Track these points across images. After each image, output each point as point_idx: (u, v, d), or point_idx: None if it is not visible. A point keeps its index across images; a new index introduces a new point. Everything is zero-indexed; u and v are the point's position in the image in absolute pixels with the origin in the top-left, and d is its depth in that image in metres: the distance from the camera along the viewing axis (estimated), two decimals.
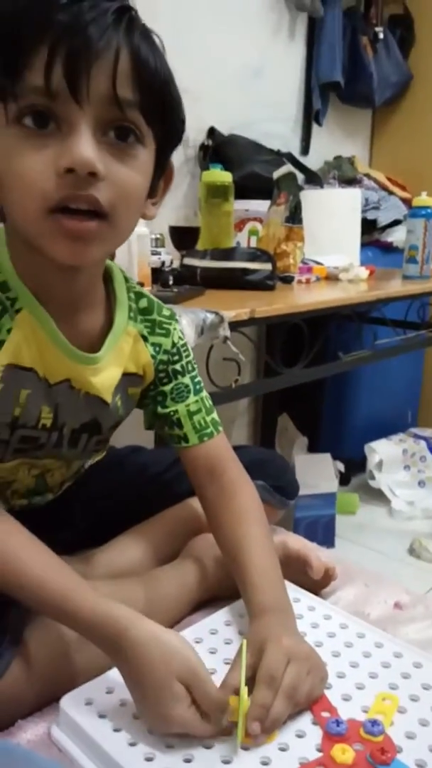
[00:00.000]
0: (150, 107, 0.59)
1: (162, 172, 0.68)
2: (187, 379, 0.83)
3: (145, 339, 0.79)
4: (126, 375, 0.78)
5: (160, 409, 0.83)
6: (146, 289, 0.84)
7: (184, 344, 0.84)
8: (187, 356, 0.84)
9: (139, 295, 0.80)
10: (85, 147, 0.56)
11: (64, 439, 0.77)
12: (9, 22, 0.55)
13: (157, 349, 0.80)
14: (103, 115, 0.57)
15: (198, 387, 0.84)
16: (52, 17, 0.53)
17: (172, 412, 0.82)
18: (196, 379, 0.85)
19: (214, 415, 0.85)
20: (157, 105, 0.60)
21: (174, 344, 0.82)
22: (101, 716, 0.61)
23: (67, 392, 0.73)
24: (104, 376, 0.75)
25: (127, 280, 0.80)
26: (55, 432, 0.75)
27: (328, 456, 2.06)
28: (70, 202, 0.57)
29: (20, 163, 0.57)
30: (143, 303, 0.80)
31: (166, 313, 0.82)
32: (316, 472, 1.99)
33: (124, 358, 0.77)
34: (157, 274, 1.39)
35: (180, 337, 0.83)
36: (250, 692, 0.59)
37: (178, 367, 0.82)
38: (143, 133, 0.60)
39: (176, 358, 0.82)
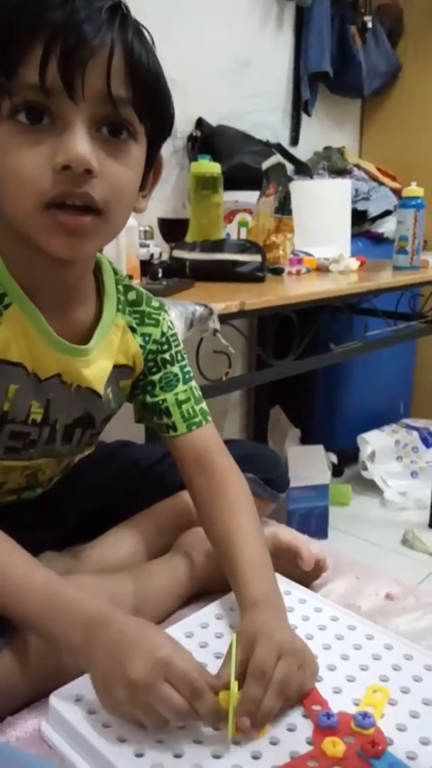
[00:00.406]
0: (143, 104, 0.60)
1: (152, 165, 0.69)
2: (176, 368, 0.84)
3: (133, 330, 0.80)
4: (116, 367, 0.79)
5: (149, 399, 0.83)
6: (135, 282, 0.84)
7: (174, 334, 0.84)
8: (177, 346, 0.84)
9: (128, 288, 0.81)
10: (81, 144, 0.56)
11: (57, 435, 0.77)
12: (3, 20, 0.55)
13: (147, 339, 0.81)
14: (97, 112, 0.58)
15: (187, 376, 0.85)
16: (47, 15, 0.54)
17: (161, 400, 0.83)
18: (186, 369, 0.85)
19: (203, 404, 0.85)
20: (149, 101, 0.61)
21: (163, 334, 0.82)
22: (91, 712, 0.60)
23: (59, 387, 0.73)
24: (95, 367, 0.75)
25: (115, 272, 0.80)
26: (47, 427, 0.75)
27: (320, 447, 2.06)
28: (65, 199, 0.58)
29: (15, 159, 0.58)
30: (132, 295, 0.81)
31: (155, 304, 0.83)
32: (308, 464, 1.99)
33: (113, 350, 0.78)
34: (146, 267, 1.38)
35: (169, 327, 0.84)
36: (240, 687, 0.58)
37: (167, 356, 0.83)
38: (136, 129, 0.61)
39: (165, 347, 0.83)
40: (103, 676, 0.59)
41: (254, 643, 0.62)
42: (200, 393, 0.86)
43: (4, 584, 0.63)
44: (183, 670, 0.56)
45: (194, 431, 0.83)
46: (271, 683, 0.59)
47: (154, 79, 0.61)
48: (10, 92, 0.56)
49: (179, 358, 0.85)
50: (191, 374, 0.86)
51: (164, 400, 0.83)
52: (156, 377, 0.83)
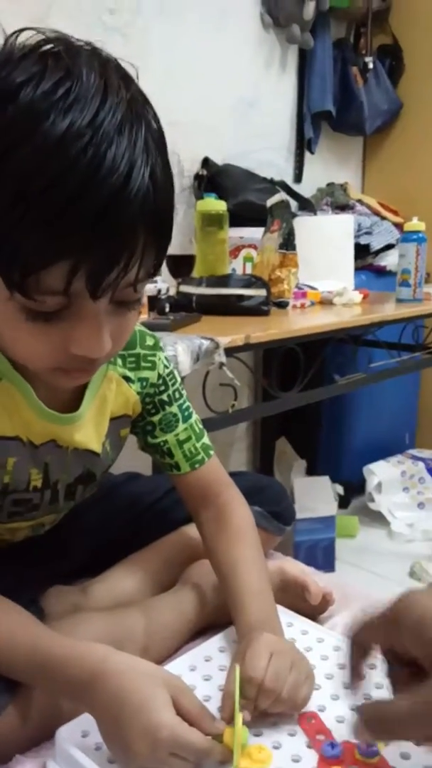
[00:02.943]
0: (164, 258, 0.56)
1: None
2: (174, 408, 0.83)
3: (128, 379, 0.78)
4: (114, 419, 0.78)
5: (149, 439, 0.83)
6: (141, 317, 0.82)
7: (170, 372, 0.82)
8: (174, 384, 0.83)
9: None
10: (102, 339, 0.54)
11: (59, 495, 0.77)
12: (30, 225, 0.48)
13: (144, 383, 0.79)
14: (117, 296, 0.54)
15: (187, 414, 0.84)
16: (72, 226, 0.48)
17: (162, 442, 0.82)
18: (185, 406, 0.84)
19: (205, 439, 0.85)
20: (165, 251, 0.56)
21: (160, 375, 0.81)
22: (97, 748, 0.61)
23: (55, 450, 0.73)
24: (89, 429, 0.74)
25: None
26: (48, 490, 0.75)
27: (326, 479, 2.06)
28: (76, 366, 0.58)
29: (23, 340, 0.55)
30: None
31: (149, 343, 0.80)
32: (315, 496, 1.99)
33: (108, 405, 0.76)
34: (154, 302, 1.41)
35: (165, 366, 0.82)
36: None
37: (164, 397, 0.82)
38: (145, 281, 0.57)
39: (162, 388, 0.81)
40: (109, 740, 0.58)
41: (246, 648, 0.64)
42: (201, 427, 0.85)
43: None
44: (187, 743, 0.55)
45: (198, 468, 0.83)
46: (264, 681, 0.62)
47: (171, 228, 0.56)
48: (23, 291, 0.50)
49: (177, 396, 0.83)
50: (190, 410, 0.85)
51: (165, 442, 0.82)
52: (155, 418, 0.82)
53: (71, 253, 0.48)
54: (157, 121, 0.54)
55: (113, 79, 0.50)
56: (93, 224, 0.48)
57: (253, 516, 0.85)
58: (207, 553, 0.83)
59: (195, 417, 0.85)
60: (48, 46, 0.50)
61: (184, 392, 0.85)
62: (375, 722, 0.48)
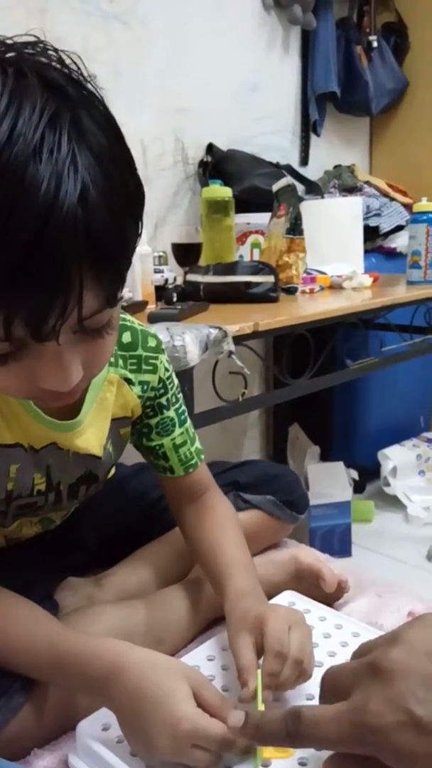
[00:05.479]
0: (121, 281, 0.50)
1: None
2: (171, 413, 0.82)
3: (129, 382, 0.76)
4: (115, 420, 0.77)
5: (145, 442, 0.83)
6: (131, 318, 0.78)
7: (170, 375, 0.81)
8: (172, 388, 0.82)
9: (122, 329, 0.75)
10: (69, 374, 0.51)
11: (62, 495, 0.76)
12: None
13: (145, 387, 0.78)
14: (74, 328, 0.49)
15: (182, 418, 0.84)
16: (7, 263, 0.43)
17: (158, 446, 0.82)
18: (180, 410, 0.84)
19: (197, 443, 0.86)
20: (126, 266, 0.50)
21: (160, 379, 0.79)
22: (119, 741, 0.61)
23: (56, 453, 0.72)
24: (89, 434, 0.73)
25: None
26: (52, 492, 0.75)
27: (340, 464, 2.05)
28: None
29: None
30: (126, 337, 0.76)
31: (151, 344, 0.78)
32: (329, 481, 1.98)
33: (109, 407, 0.75)
34: (161, 292, 1.40)
35: (166, 369, 0.80)
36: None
37: (163, 400, 0.81)
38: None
39: (162, 392, 0.80)
40: (130, 735, 0.58)
41: (263, 623, 0.63)
42: (194, 431, 0.86)
43: (9, 650, 0.64)
44: (209, 734, 0.55)
45: (190, 473, 0.84)
46: (290, 653, 0.61)
47: (120, 253, 0.48)
48: None
49: (174, 400, 0.82)
50: (186, 414, 0.85)
51: (161, 446, 0.82)
52: (153, 421, 0.81)
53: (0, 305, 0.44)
54: (102, 125, 0.46)
55: (32, 90, 0.43)
56: (14, 270, 0.42)
57: (234, 507, 0.86)
58: (189, 542, 0.84)
59: (189, 421, 0.85)
60: None
61: (180, 395, 0.84)
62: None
